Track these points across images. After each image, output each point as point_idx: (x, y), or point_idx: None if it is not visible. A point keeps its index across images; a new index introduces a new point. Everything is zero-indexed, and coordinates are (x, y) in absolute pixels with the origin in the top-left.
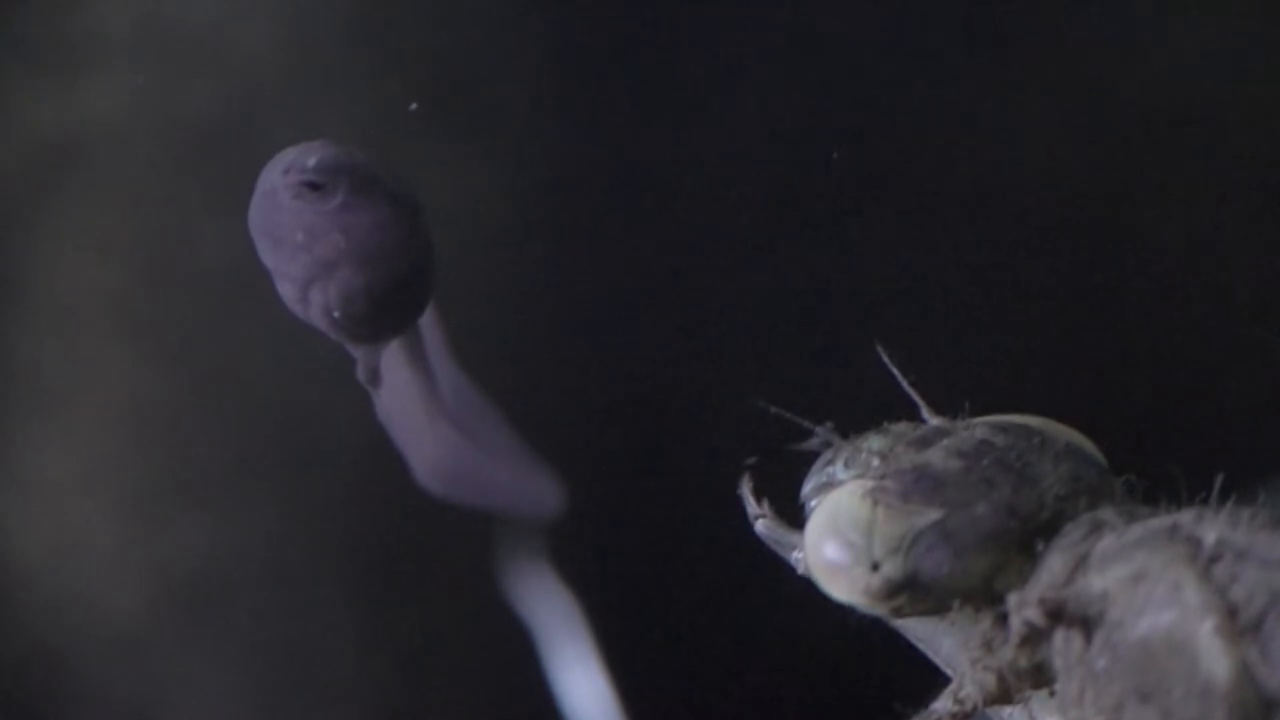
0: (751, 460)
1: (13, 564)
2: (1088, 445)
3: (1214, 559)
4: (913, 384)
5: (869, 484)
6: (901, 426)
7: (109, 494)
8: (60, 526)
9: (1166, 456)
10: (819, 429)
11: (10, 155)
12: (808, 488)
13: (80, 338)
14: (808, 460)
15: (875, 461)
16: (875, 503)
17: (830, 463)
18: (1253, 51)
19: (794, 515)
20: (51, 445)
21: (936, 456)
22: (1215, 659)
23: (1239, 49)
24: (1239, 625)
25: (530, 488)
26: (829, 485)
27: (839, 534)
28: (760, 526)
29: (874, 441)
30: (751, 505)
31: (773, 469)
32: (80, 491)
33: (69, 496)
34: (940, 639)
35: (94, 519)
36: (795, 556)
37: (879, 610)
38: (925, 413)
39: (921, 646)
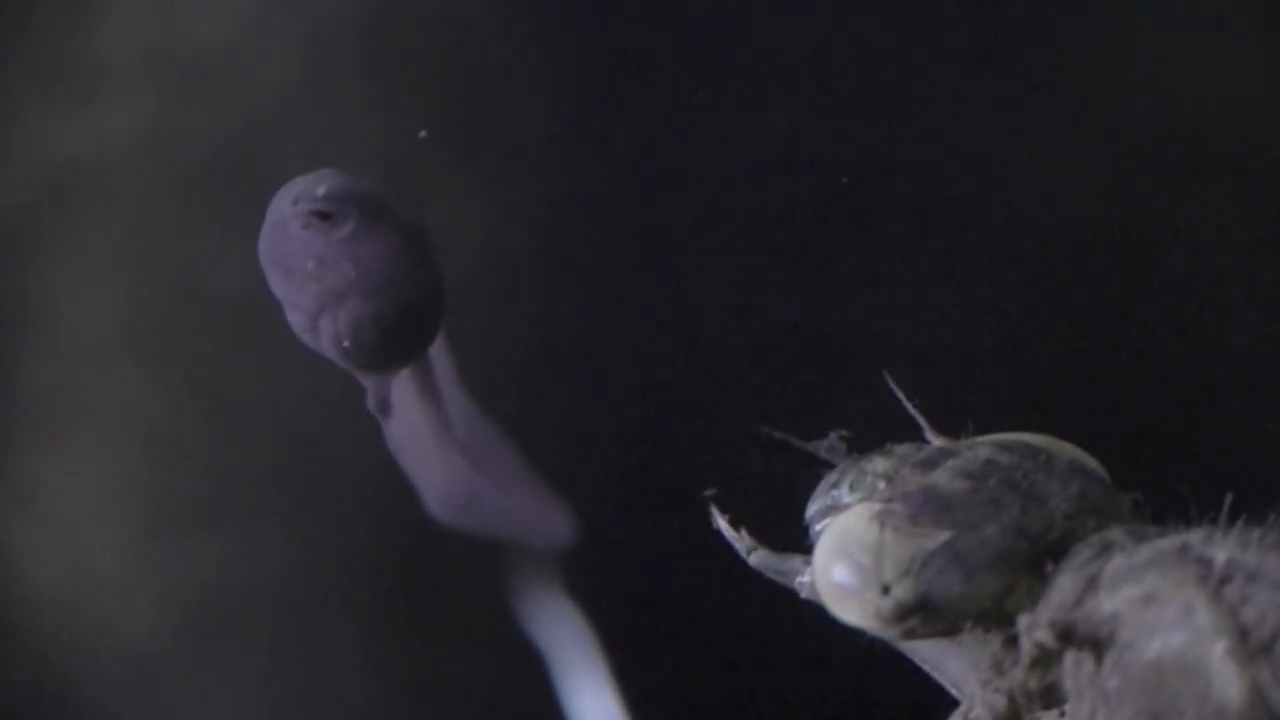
0: (710, 492)
1: (25, 587)
2: (1092, 463)
3: (1225, 580)
4: (915, 405)
5: (876, 507)
6: (906, 448)
7: (121, 518)
8: (72, 550)
9: (1174, 475)
10: (829, 436)
11: (21, 179)
12: (812, 511)
13: (92, 363)
14: (812, 481)
15: (881, 484)
16: (883, 525)
17: (835, 485)
18: (1267, 69)
19: (795, 537)
20: (63, 469)
21: (943, 477)
22: (1228, 681)
23: (1253, 67)
24: (1251, 647)
25: (540, 515)
26: (834, 508)
27: (848, 557)
28: (754, 559)
29: (879, 463)
30: (735, 539)
31: (775, 487)
32: (92, 515)
33: (81, 520)
34: (948, 661)
35: (106, 543)
36: (800, 581)
37: (890, 633)
38: (929, 433)
39: (928, 668)
